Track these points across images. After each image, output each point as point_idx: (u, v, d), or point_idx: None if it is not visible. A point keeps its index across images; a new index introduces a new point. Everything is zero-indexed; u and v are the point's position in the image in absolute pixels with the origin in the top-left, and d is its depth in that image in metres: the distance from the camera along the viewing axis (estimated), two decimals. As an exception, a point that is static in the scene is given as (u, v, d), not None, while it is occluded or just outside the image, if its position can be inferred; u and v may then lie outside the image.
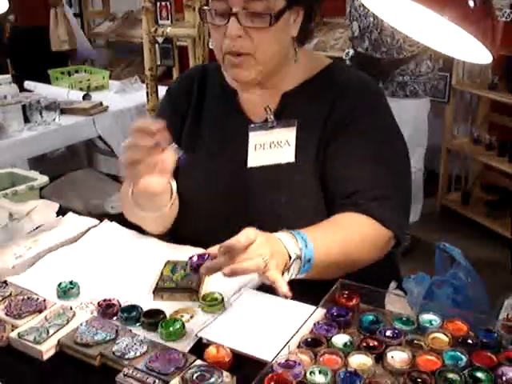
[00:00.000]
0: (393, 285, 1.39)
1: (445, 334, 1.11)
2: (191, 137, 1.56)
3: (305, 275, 1.24)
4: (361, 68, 3.87)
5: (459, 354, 1.06)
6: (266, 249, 1.13)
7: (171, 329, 1.13)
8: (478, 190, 4.33)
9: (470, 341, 1.10)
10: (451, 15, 0.88)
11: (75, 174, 3.35)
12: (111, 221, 1.62)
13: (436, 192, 4.33)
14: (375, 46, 3.43)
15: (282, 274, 1.16)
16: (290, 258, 1.18)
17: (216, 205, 1.47)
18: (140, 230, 1.58)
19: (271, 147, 1.45)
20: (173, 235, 1.57)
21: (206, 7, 1.36)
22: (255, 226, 1.16)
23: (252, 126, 1.47)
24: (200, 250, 1.42)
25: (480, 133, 4.12)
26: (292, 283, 1.29)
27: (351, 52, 3.60)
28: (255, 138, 1.46)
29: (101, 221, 1.62)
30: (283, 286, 1.11)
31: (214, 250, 1.15)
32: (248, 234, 1.12)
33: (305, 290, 1.28)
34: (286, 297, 1.11)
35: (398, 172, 1.44)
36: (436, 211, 4.32)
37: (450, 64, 3.92)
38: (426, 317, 1.16)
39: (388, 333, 1.11)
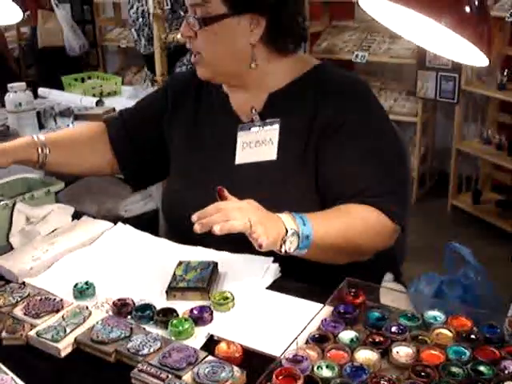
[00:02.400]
0: (388, 277, 1.43)
1: (449, 330, 1.14)
2: (189, 137, 1.65)
3: (305, 253, 1.31)
4: (151, 67, 3.79)
5: (463, 348, 1.09)
6: (255, 215, 1.23)
7: (180, 328, 1.17)
8: (488, 190, 4.34)
9: (473, 336, 1.13)
10: (448, 22, 0.91)
11: (89, 178, 3.38)
12: (125, 224, 1.66)
13: (447, 192, 4.35)
14: (149, 41, 3.69)
15: (280, 246, 1.25)
16: (287, 232, 1.25)
17: (207, 200, 1.53)
18: (153, 232, 1.63)
19: (256, 146, 1.53)
20: (169, 225, 1.71)
21: (182, 13, 1.50)
22: None
23: (240, 125, 1.57)
24: (212, 251, 1.47)
25: (490, 133, 4.13)
26: (300, 282, 1.35)
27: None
28: (243, 137, 1.56)
29: (115, 224, 1.66)
30: (259, 239, 1.20)
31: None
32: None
33: (313, 288, 1.32)
34: (259, 246, 1.21)
35: (393, 165, 1.49)
36: (447, 211, 4.33)
37: (458, 65, 3.94)
38: (431, 313, 1.19)
39: (393, 329, 1.14)
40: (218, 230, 1.18)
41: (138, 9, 3.80)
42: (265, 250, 1.24)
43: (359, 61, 4.43)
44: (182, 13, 1.53)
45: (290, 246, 1.27)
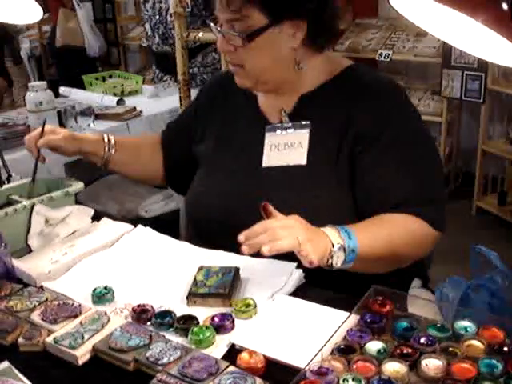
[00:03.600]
0: (416, 283, 1.39)
1: (480, 342, 1.10)
2: (217, 139, 1.62)
3: (351, 266, 1.28)
4: (160, 65, 3.96)
5: (495, 361, 1.04)
6: (302, 233, 1.19)
7: (201, 336, 1.14)
8: (514, 192, 4.26)
9: (506, 348, 1.08)
10: (484, 19, 0.87)
11: (110, 178, 3.37)
12: (145, 225, 1.63)
13: (472, 194, 4.27)
14: (163, 40, 3.78)
15: (327, 261, 1.22)
16: (333, 246, 1.23)
17: (230, 200, 1.51)
18: (174, 233, 1.61)
19: (285, 148, 1.49)
20: (192, 226, 1.67)
21: (211, 24, 1.45)
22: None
23: (268, 126, 1.53)
24: (233, 256, 1.44)
25: (516, 133, 4.06)
26: (325, 289, 1.31)
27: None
28: (271, 138, 1.52)
29: (135, 226, 1.63)
30: (310, 256, 1.18)
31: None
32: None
33: (338, 295, 1.28)
34: (310, 263, 1.19)
35: (433, 172, 1.47)
36: (472, 213, 4.26)
37: (484, 64, 3.87)
38: (461, 323, 1.15)
39: (422, 340, 1.10)
40: (266, 251, 1.15)
41: (154, 5, 3.81)
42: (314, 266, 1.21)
43: (383, 59, 4.36)
44: (210, 23, 1.48)
45: (337, 261, 1.24)
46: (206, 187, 1.60)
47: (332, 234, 1.25)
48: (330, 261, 1.23)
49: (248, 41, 1.39)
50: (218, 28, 1.43)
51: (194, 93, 3.35)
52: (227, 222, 1.49)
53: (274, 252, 1.16)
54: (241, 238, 1.18)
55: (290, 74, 1.47)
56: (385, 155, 1.41)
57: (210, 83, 1.79)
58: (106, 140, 1.70)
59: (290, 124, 1.50)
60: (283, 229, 1.18)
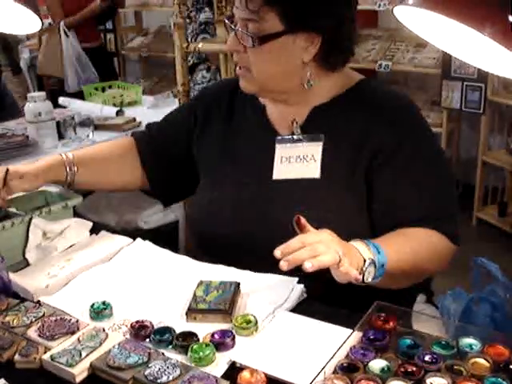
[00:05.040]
0: (421, 298, 1.38)
1: (485, 359, 1.07)
2: (222, 149, 1.58)
3: (378, 281, 1.26)
4: None
5: (501, 380, 1.02)
6: (338, 247, 1.16)
7: (201, 354, 1.11)
8: (515, 203, 4.24)
9: (512, 366, 1.06)
10: (491, 32, 0.85)
11: (108, 189, 3.36)
12: (144, 238, 1.61)
13: (472, 205, 4.26)
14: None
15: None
16: (365, 262, 1.20)
17: (239, 213, 1.48)
18: (172, 245, 1.58)
19: (297, 161, 1.46)
20: (196, 236, 1.61)
21: (226, 20, 1.44)
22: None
23: (279, 138, 1.49)
24: (234, 270, 1.42)
25: (516, 144, 4.05)
26: (327, 305, 1.28)
27: None
28: (281, 150, 1.48)
29: (134, 239, 1.61)
30: (352, 272, 1.16)
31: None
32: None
33: (340, 312, 1.26)
34: (356, 279, 1.17)
35: (450, 186, 1.46)
36: (472, 224, 4.24)
37: (484, 75, 3.86)
38: (466, 341, 1.12)
39: (427, 357, 1.08)
40: (309, 267, 1.11)
41: None
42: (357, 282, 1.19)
43: (383, 70, 4.36)
44: (225, 19, 1.47)
45: (368, 277, 1.22)
46: (212, 199, 1.55)
47: (362, 249, 1.23)
48: (361, 276, 1.20)
49: (259, 43, 1.36)
50: (232, 26, 1.41)
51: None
52: (235, 235, 1.46)
53: (316, 268, 1.12)
54: (277, 253, 1.14)
55: (296, 87, 1.44)
56: (404, 171, 1.40)
57: (218, 85, 1.75)
58: (64, 159, 1.58)
59: (302, 136, 1.46)
60: (321, 244, 1.16)
